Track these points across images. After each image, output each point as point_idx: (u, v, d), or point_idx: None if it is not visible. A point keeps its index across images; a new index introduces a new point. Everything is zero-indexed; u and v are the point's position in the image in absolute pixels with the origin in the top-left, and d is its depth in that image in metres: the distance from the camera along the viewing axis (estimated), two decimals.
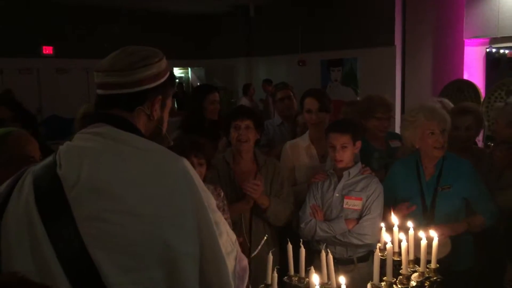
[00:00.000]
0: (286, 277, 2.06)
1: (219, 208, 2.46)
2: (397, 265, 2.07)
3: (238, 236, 2.57)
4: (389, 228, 2.19)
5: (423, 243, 2.02)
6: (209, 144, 2.54)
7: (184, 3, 10.73)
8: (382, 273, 1.98)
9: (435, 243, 2.06)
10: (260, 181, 2.60)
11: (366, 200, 2.61)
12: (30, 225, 1.14)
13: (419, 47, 8.34)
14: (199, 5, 10.89)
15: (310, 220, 2.64)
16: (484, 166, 2.91)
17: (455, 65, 7.91)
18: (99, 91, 1.31)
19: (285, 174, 2.89)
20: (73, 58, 9.55)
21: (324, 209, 2.68)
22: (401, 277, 1.99)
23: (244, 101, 8.93)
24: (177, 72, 13.90)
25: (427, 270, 2.05)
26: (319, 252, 2.01)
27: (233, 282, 1.27)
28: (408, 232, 2.10)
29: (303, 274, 2.02)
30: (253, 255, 2.32)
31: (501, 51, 7.56)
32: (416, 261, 2.09)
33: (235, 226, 2.67)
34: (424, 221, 2.49)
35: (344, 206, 2.62)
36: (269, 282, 1.95)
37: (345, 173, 2.66)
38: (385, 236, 2.11)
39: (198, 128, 3.29)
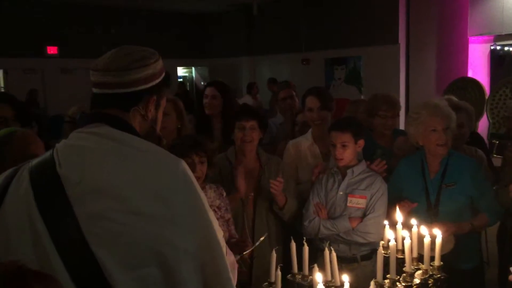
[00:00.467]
0: (289, 275, 2.06)
1: (221, 207, 2.48)
2: (400, 262, 2.06)
3: (240, 234, 2.61)
4: (393, 225, 2.19)
5: (427, 240, 2.02)
6: (210, 142, 2.57)
7: (187, 3, 10.75)
8: (386, 270, 1.99)
9: (438, 240, 2.05)
10: (282, 179, 2.64)
11: (370, 199, 2.61)
12: (30, 222, 1.16)
13: (423, 45, 8.31)
14: (203, 4, 10.91)
15: (314, 218, 2.64)
16: None
17: (459, 62, 7.88)
18: (95, 90, 1.33)
19: (288, 172, 2.90)
20: (77, 58, 9.59)
21: (327, 207, 2.68)
22: (404, 274, 1.99)
23: (248, 99, 8.92)
24: (181, 71, 13.93)
25: (431, 267, 2.05)
26: (323, 250, 2.01)
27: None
28: (411, 230, 2.10)
29: (306, 272, 2.03)
30: (249, 250, 2.34)
31: (506, 48, 7.53)
32: (420, 258, 2.09)
33: (238, 224, 2.69)
34: (428, 219, 2.49)
35: (348, 204, 2.62)
36: (273, 280, 1.96)
37: (349, 171, 2.66)
38: (389, 234, 2.11)
39: (204, 126, 3.39)
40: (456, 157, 2.66)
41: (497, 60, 7.58)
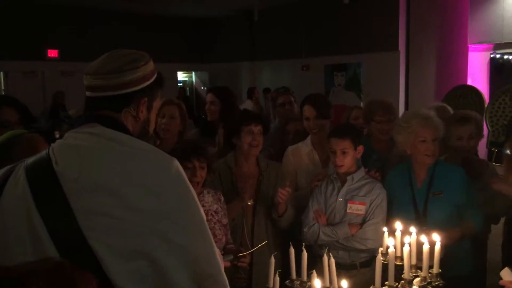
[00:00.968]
0: (288, 281, 2.06)
1: (218, 212, 2.48)
2: (399, 269, 2.06)
3: (240, 240, 2.61)
4: (392, 232, 2.19)
5: (425, 248, 2.02)
6: (210, 148, 2.58)
7: (188, 8, 10.78)
8: (384, 277, 1.98)
9: (437, 248, 2.05)
10: (290, 189, 2.65)
11: (370, 205, 2.61)
12: (28, 219, 1.18)
13: (423, 52, 8.33)
14: (204, 9, 10.95)
15: (313, 224, 2.64)
16: (482, 181, 2.76)
17: (459, 70, 7.90)
18: (88, 93, 1.37)
19: (287, 178, 2.90)
20: (78, 61, 9.60)
21: (327, 214, 2.68)
22: (403, 281, 1.99)
23: (248, 104, 8.93)
24: (181, 76, 13.95)
25: (429, 275, 2.05)
26: (321, 256, 2.01)
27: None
28: (410, 237, 2.10)
29: (305, 278, 2.02)
30: (244, 253, 2.35)
31: (505, 56, 7.55)
32: (419, 265, 2.09)
33: (237, 230, 2.68)
34: (416, 227, 2.48)
35: (348, 210, 2.62)
36: (271, 285, 1.96)
37: (349, 177, 2.66)
38: (388, 241, 2.10)
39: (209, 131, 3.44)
40: (442, 167, 2.67)
41: (496, 68, 7.60)
